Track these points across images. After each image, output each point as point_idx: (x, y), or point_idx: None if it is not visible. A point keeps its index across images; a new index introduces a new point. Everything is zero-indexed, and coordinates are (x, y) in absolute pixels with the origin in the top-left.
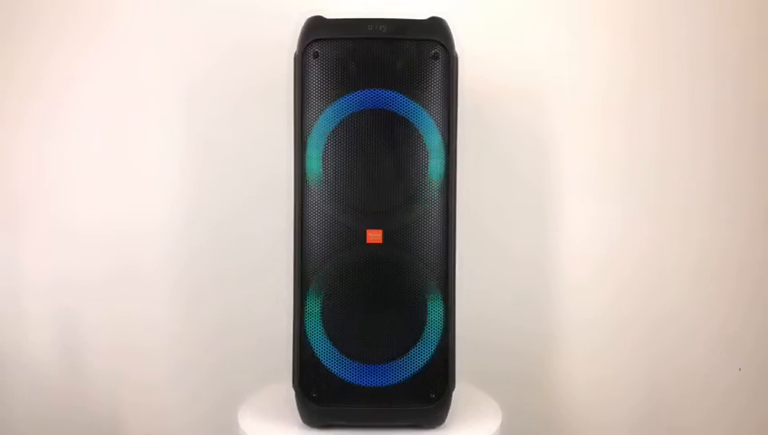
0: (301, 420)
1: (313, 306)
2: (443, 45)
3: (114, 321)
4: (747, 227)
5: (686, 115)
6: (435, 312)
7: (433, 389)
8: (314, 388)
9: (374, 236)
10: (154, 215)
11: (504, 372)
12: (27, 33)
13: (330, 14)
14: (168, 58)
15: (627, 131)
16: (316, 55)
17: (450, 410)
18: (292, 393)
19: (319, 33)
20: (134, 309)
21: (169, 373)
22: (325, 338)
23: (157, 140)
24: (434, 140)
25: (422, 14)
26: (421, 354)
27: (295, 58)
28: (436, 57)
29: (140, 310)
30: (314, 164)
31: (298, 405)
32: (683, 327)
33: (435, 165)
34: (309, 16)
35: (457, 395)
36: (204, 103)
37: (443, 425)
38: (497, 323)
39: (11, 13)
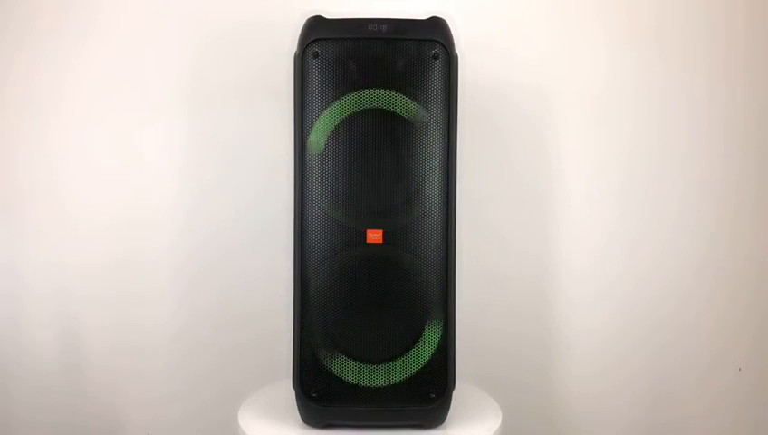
0: (301, 420)
1: (314, 306)
2: (443, 45)
3: (114, 321)
4: (748, 227)
5: (686, 113)
6: (435, 311)
7: (433, 389)
8: (314, 388)
9: (374, 236)
10: (154, 216)
11: (504, 371)
12: (28, 22)
13: (330, 14)
14: (170, 51)
15: (627, 129)
16: (316, 55)
17: (450, 410)
18: (292, 393)
19: (319, 33)
20: (134, 310)
21: (169, 374)
22: (325, 338)
23: (156, 138)
24: (434, 139)
25: (422, 14)
26: (421, 354)
27: (295, 58)
28: (436, 57)
29: (140, 311)
30: (314, 164)
31: (298, 405)
32: (684, 327)
33: (435, 165)
34: (309, 16)
35: (457, 395)
36: (204, 102)
37: (443, 425)
38: (497, 322)
39: (10, 5)
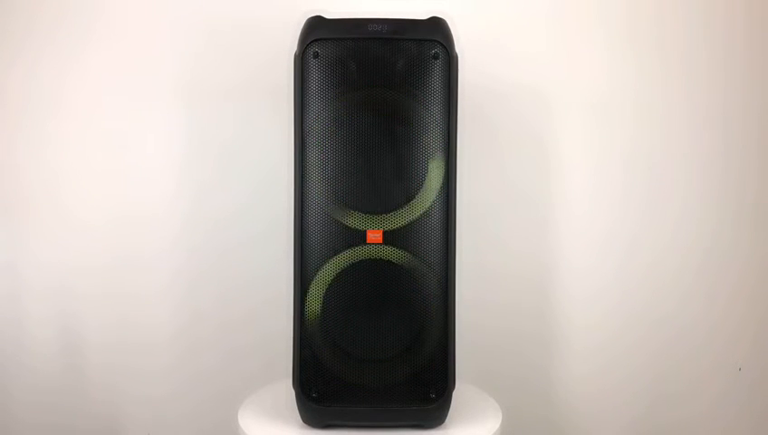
0: (301, 420)
1: (314, 306)
2: (443, 45)
3: (114, 320)
4: (748, 227)
5: (687, 113)
6: (435, 312)
7: (433, 389)
8: (314, 388)
9: (374, 236)
10: (154, 215)
11: (504, 370)
12: (28, 22)
13: (330, 14)
14: (170, 51)
15: (628, 129)
16: (316, 55)
17: (450, 410)
18: (292, 393)
19: (319, 33)
20: (134, 309)
21: (170, 373)
22: (325, 338)
23: (156, 137)
24: (434, 139)
25: (422, 14)
26: (421, 354)
27: (295, 58)
28: (436, 57)
29: (140, 310)
30: (314, 164)
31: (298, 405)
32: (684, 326)
33: (435, 165)
34: (309, 16)
35: (457, 395)
36: (204, 102)
37: (443, 425)
38: (498, 321)
39: (10, 5)
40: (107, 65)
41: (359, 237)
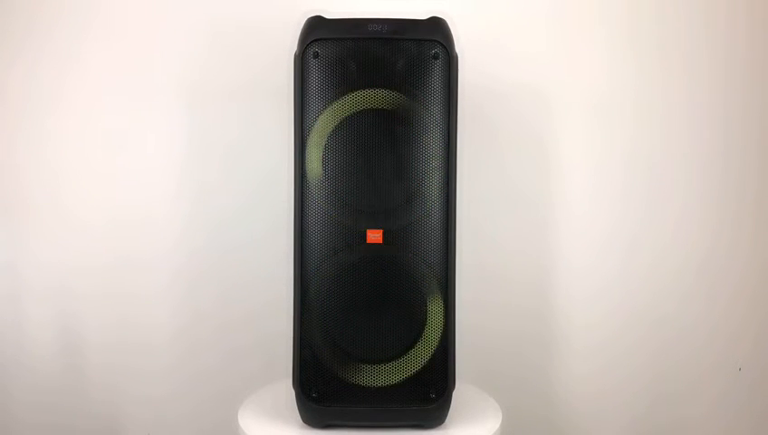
0: (301, 420)
1: (314, 306)
2: (443, 45)
3: (114, 320)
4: (749, 227)
5: (687, 113)
6: (435, 311)
7: (433, 389)
8: (314, 388)
9: (374, 236)
10: (154, 215)
11: (504, 370)
12: (28, 22)
13: (330, 14)
14: (170, 51)
15: (628, 128)
16: (316, 55)
17: (450, 410)
18: (292, 393)
19: (319, 33)
20: (134, 309)
21: (170, 373)
22: (325, 338)
23: (157, 137)
24: (434, 139)
25: (422, 14)
26: (421, 354)
27: (295, 58)
28: (436, 57)
29: (141, 310)
30: (314, 164)
31: (298, 405)
32: (684, 326)
33: (435, 165)
34: (309, 16)
35: (457, 395)
36: (205, 102)
37: (443, 425)
38: (498, 321)
39: (10, 5)
40: (107, 65)
41: (359, 237)
